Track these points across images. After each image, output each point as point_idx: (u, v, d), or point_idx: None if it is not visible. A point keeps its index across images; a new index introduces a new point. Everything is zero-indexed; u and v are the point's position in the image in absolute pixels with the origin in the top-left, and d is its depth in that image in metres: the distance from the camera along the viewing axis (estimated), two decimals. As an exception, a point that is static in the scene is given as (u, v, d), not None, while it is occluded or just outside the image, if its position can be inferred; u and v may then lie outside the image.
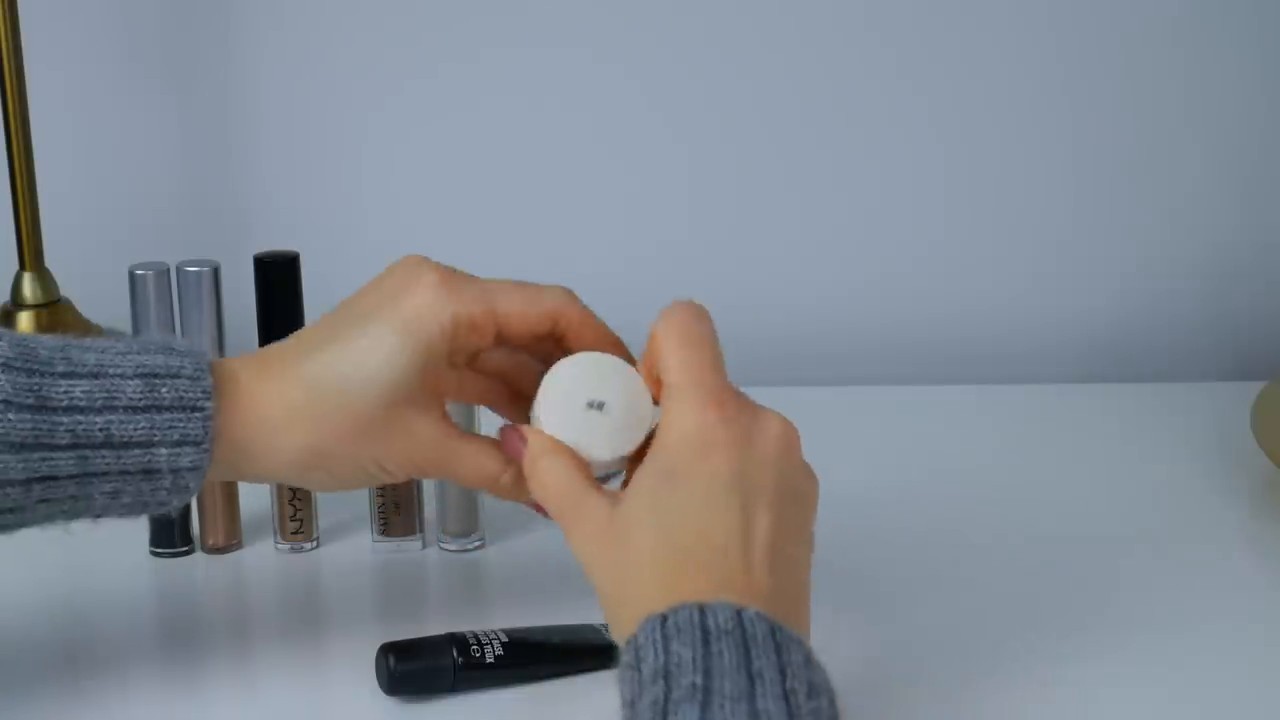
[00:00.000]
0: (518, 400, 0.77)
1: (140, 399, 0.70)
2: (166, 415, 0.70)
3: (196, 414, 0.70)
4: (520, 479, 0.73)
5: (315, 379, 0.71)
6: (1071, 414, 1.07)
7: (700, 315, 0.70)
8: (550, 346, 0.75)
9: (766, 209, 1.15)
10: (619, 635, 0.65)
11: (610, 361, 0.73)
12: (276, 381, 0.72)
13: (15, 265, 1.03)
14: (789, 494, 0.67)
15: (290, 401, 0.71)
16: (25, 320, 1.03)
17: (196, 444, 0.70)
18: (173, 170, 1.14)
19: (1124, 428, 1.05)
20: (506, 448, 0.73)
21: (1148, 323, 1.16)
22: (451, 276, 0.72)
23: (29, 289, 1.03)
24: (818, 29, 1.11)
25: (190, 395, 0.70)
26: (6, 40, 0.99)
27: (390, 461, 0.73)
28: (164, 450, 0.70)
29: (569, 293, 0.74)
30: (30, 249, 1.03)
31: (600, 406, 0.72)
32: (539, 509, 0.74)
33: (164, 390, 0.70)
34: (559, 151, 1.14)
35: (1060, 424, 1.06)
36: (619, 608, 0.66)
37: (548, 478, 0.70)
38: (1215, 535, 0.91)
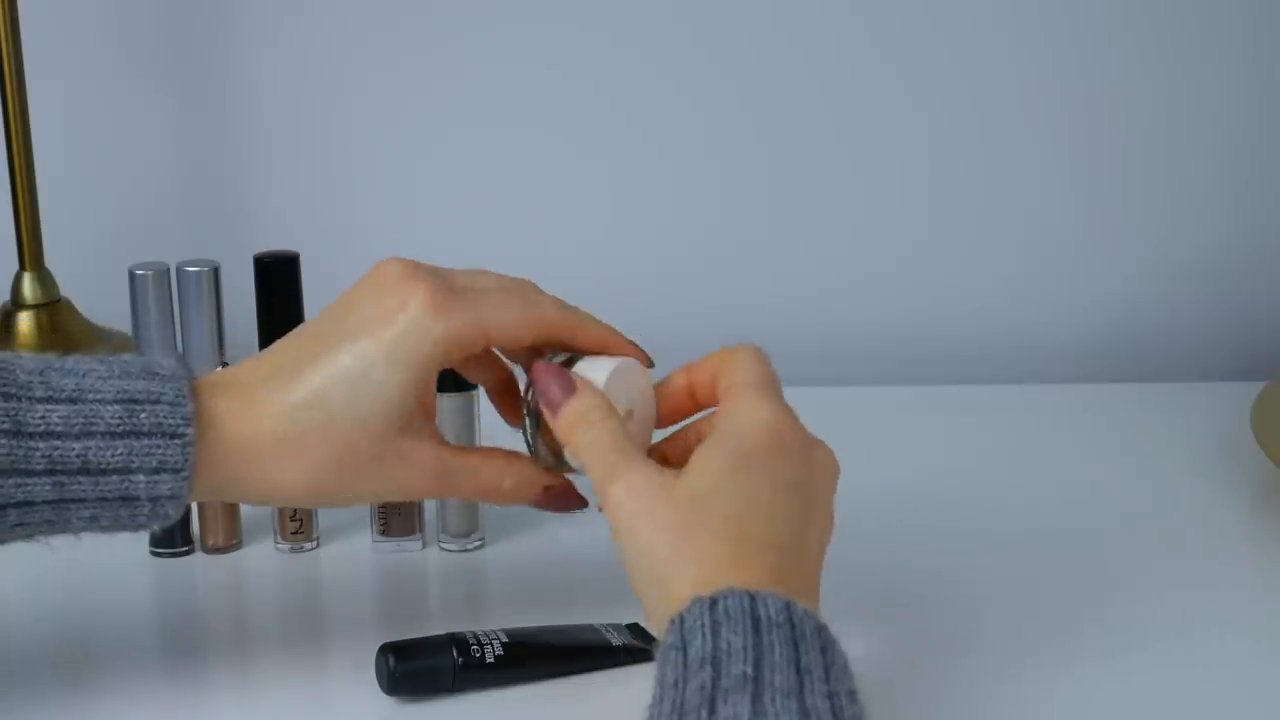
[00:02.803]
0: (512, 387, 0.77)
1: (119, 424, 0.68)
2: (145, 441, 0.69)
3: (176, 440, 0.69)
4: (522, 483, 0.73)
5: (302, 413, 0.69)
6: (1071, 414, 1.07)
7: (766, 358, 0.72)
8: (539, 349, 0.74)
9: (769, 209, 1.15)
10: (658, 601, 0.64)
11: (633, 367, 0.73)
12: (261, 416, 0.70)
13: (15, 265, 1.03)
14: (828, 518, 0.69)
15: (277, 439, 0.70)
16: (25, 320, 1.03)
17: (175, 471, 0.69)
18: (173, 170, 1.14)
19: (1124, 428, 1.05)
20: (541, 383, 0.70)
21: (1147, 323, 1.16)
22: (441, 296, 0.70)
23: (29, 289, 1.03)
24: (804, 25, 1.11)
25: (170, 421, 0.69)
26: (6, 40, 0.99)
27: (387, 492, 0.72)
28: (142, 477, 0.69)
29: (559, 304, 0.73)
30: (30, 249, 1.03)
31: (630, 415, 0.72)
32: (541, 504, 0.74)
33: (143, 416, 0.69)
34: (550, 150, 1.13)
35: (1060, 424, 1.06)
36: (665, 572, 0.64)
37: (603, 431, 0.68)
38: (1215, 535, 0.91)
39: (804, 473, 0.68)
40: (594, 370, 0.72)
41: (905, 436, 1.04)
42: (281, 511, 0.89)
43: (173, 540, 0.89)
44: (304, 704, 0.77)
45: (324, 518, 0.91)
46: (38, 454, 0.68)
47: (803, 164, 1.14)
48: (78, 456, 0.68)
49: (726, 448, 0.67)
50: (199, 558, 0.90)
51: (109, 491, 0.69)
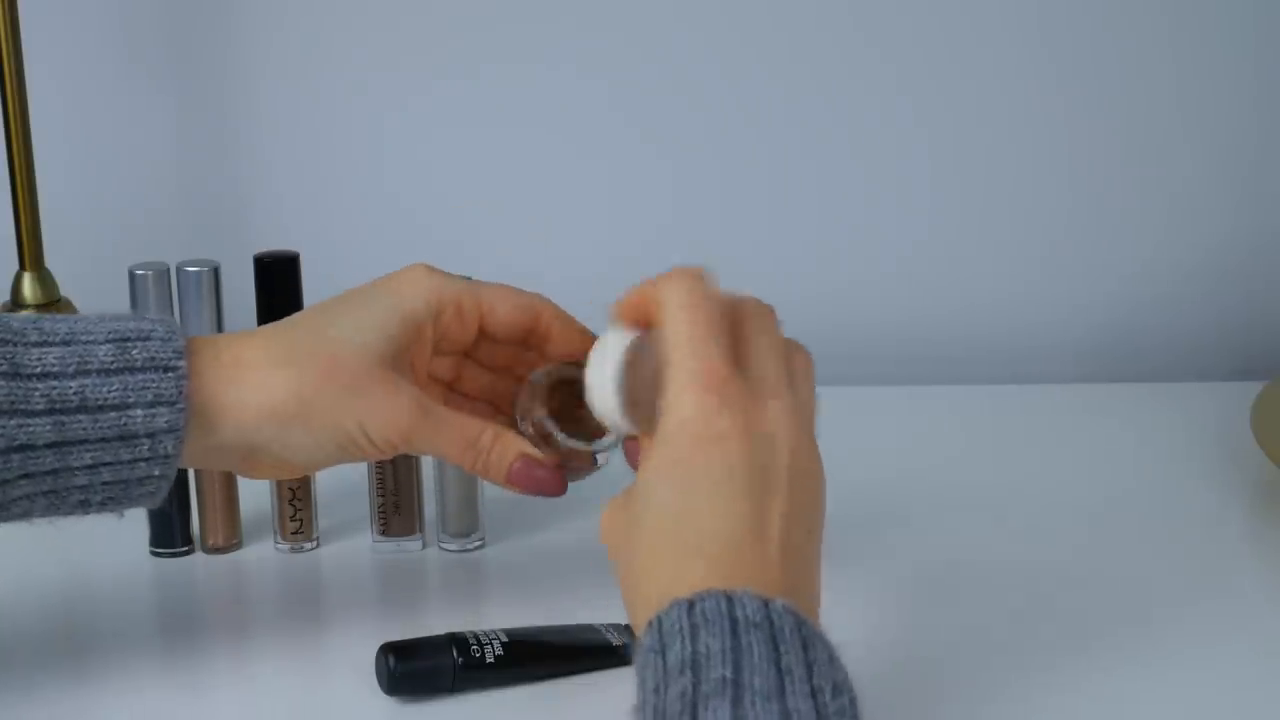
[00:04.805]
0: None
1: (112, 362, 0.71)
2: (139, 376, 0.71)
3: (169, 373, 0.71)
4: (502, 445, 0.75)
5: (299, 335, 0.74)
6: (1071, 414, 1.07)
7: (701, 281, 0.68)
8: (525, 351, 0.78)
9: (769, 209, 1.15)
10: (633, 621, 0.64)
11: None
12: (257, 342, 0.74)
13: (15, 265, 1.03)
14: (798, 477, 0.65)
15: (271, 353, 0.73)
16: (25, 320, 1.03)
17: (171, 404, 0.71)
18: (173, 170, 1.14)
19: (1124, 428, 1.05)
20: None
21: (1147, 323, 1.16)
22: (439, 269, 0.76)
23: (29, 289, 1.03)
24: (804, 25, 1.11)
25: (162, 355, 0.71)
26: (6, 40, 0.99)
27: (372, 424, 0.73)
28: (139, 412, 0.71)
29: (545, 298, 0.77)
30: (30, 249, 1.03)
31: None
32: (517, 478, 0.75)
33: (135, 352, 0.71)
34: (550, 150, 1.14)
35: (1060, 424, 1.06)
36: (634, 594, 0.65)
37: None
38: (1215, 535, 0.91)
39: (747, 452, 0.64)
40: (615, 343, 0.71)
41: (904, 437, 1.04)
42: (282, 511, 0.89)
43: (173, 540, 0.89)
44: (304, 704, 0.77)
45: (324, 518, 0.91)
46: (37, 394, 0.70)
47: (803, 164, 1.14)
48: (75, 394, 0.70)
49: (657, 455, 0.65)
50: (199, 557, 0.90)
51: (108, 429, 0.71)
